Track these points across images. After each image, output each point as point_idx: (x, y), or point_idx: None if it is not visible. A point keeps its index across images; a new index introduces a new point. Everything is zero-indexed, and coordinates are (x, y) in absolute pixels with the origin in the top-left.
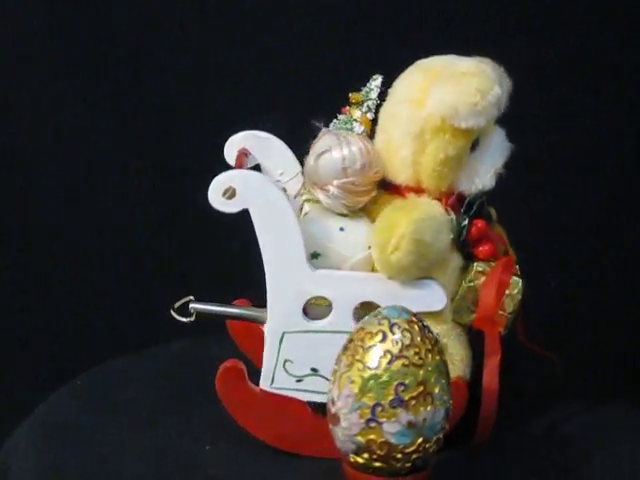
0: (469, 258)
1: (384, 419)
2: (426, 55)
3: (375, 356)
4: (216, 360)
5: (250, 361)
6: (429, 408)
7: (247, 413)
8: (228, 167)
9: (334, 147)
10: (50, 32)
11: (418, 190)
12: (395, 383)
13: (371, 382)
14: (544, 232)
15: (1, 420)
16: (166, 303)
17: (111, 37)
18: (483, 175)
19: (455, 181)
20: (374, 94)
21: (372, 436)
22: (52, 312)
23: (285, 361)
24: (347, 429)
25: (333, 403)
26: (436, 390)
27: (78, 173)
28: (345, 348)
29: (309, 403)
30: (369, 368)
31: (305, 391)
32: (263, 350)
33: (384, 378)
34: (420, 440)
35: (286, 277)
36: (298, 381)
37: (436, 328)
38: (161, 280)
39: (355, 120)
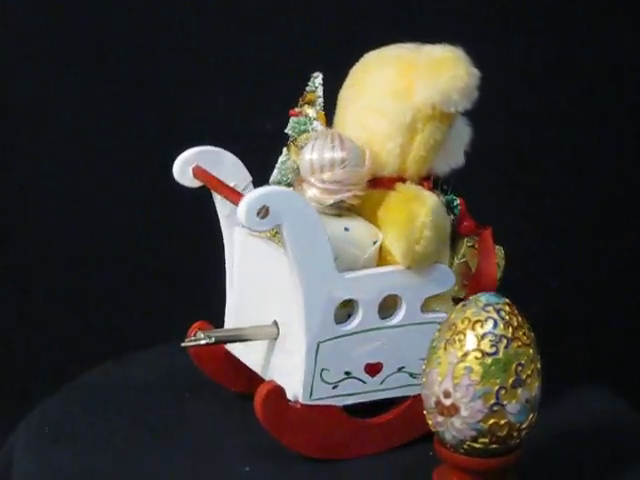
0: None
1: (506, 401)
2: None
3: (491, 342)
4: None
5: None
6: (537, 383)
7: (288, 430)
8: None
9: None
10: (50, 32)
11: (400, 179)
12: (514, 365)
13: (493, 368)
14: (543, 233)
15: (1, 420)
16: (166, 303)
17: (111, 37)
18: (456, 155)
19: (432, 164)
20: (321, 91)
21: (495, 419)
22: (52, 312)
23: (322, 370)
24: (469, 417)
25: (447, 395)
26: (539, 365)
27: (78, 173)
28: (448, 341)
29: (344, 406)
30: (488, 354)
31: (340, 396)
32: (227, 370)
33: (505, 362)
34: (531, 415)
35: (319, 287)
36: (334, 387)
37: (442, 307)
38: (161, 280)
39: (315, 119)
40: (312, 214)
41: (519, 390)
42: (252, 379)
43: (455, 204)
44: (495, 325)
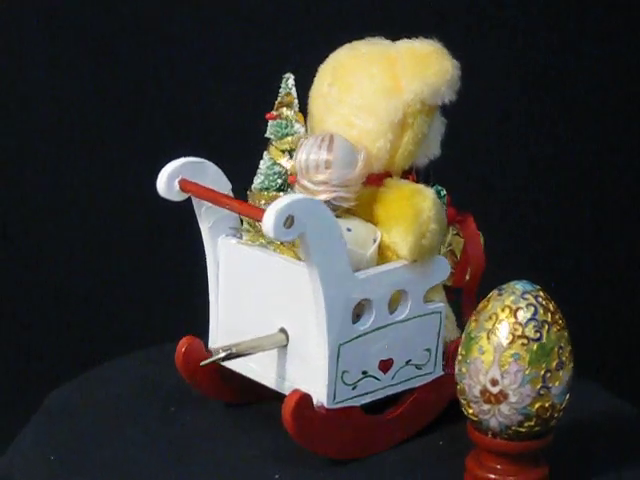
0: None
1: (551, 383)
2: None
3: (535, 328)
4: None
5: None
6: (572, 364)
7: (316, 437)
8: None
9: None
10: (50, 32)
11: (387, 175)
12: (556, 348)
13: (539, 353)
14: (544, 234)
15: (1, 420)
16: (166, 303)
17: (111, 37)
18: (434, 146)
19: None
20: (295, 92)
21: (541, 403)
22: (52, 312)
23: (343, 373)
24: (517, 403)
25: (495, 383)
26: (571, 346)
27: (78, 173)
28: (491, 330)
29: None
30: (534, 340)
31: (359, 396)
32: (216, 383)
33: (549, 346)
34: (568, 396)
35: (338, 290)
36: (353, 388)
37: (439, 297)
38: (161, 280)
39: (296, 120)
40: (332, 219)
41: (561, 372)
42: (242, 390)
43: (443, 194)
44: (536, 311)
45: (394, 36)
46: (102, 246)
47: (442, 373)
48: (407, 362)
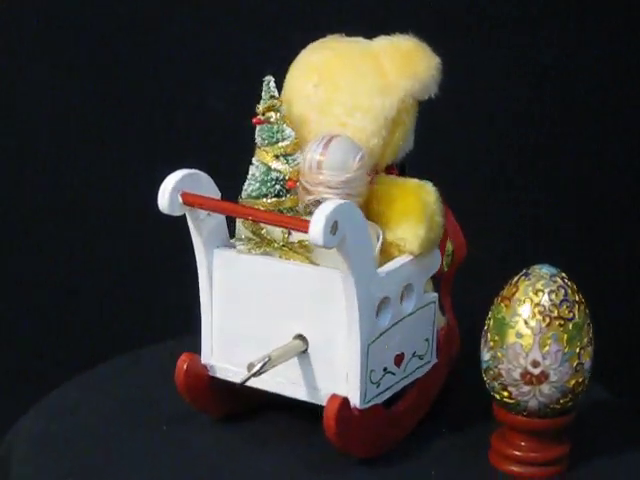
0: None
1: (584, 359)
2: None
3: (569, 309)
4: None
5: None
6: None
7: (353, 439)
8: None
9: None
10: (50, 32)
11: (376, 171)
12: (585, 325)
13: (574, 332)
14: (542, 232)
15: (1, 420)
16: (166, 303)
17: (111, 37)
18: (410, 140)
19: None
20: (277, 94)
21: (576, 379)
22: (52, 312)
23: (370, 372)
24: (557, 381)
25: (536, 365)
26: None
27: (78, 172)
28: (527, 315)
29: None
30: (569, 320)
31: (381, 393)
32: (210, 397)
33: (581, 324)
34: (591, 369)
35: (367, 291)
36: (377, 386)
37: (428, 287)
38: (161, 280)
39: (286, 124)
40: (365, 221)
41: (589, 348)
42: (231, 402)
43: None
44: (566, 292)
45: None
46: (102, 246)
47: (436, 360)
48: (413, 354)
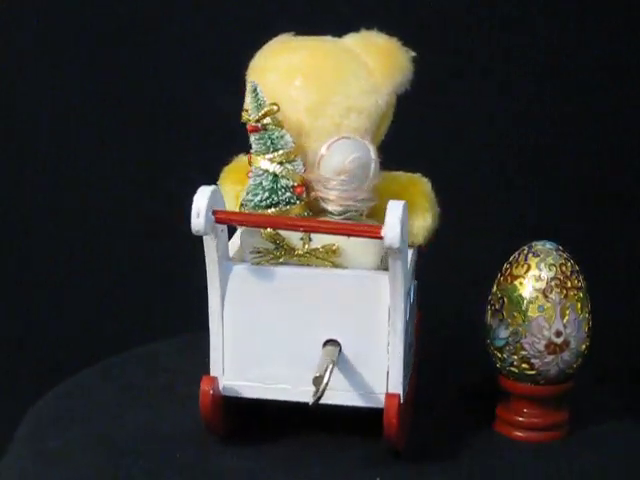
0: None
1: (590, 324)
2: None
3: (577, 278)
4: None
5: None
6: None
7: (401, 435)
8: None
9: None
10: (50, 32)
11: None
12: (588, 293)
13: (584, 299)
14: (543, 233)
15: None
16: (166, 303)
17: (111, 37)
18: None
19: None
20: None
21: (586, 342)
22: (52, 312)
23: (405, 367)
24: (575, 347)
25: (559, 334)
26: None
27: (78, 172)
28: (545, 289)
29: None
30: (579, 289)
31: (405, 384)
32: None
33: (585, 291)
34: None
35: (405, 290)
36: (405, 378)
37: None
38: (161, 280)
39: (284, 131)
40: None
41: (589, 314)
42: (239, 419)
43: None
44: (572, 264)
45: (398, 36)
46: (102, 246)
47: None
48: (411, 342)
